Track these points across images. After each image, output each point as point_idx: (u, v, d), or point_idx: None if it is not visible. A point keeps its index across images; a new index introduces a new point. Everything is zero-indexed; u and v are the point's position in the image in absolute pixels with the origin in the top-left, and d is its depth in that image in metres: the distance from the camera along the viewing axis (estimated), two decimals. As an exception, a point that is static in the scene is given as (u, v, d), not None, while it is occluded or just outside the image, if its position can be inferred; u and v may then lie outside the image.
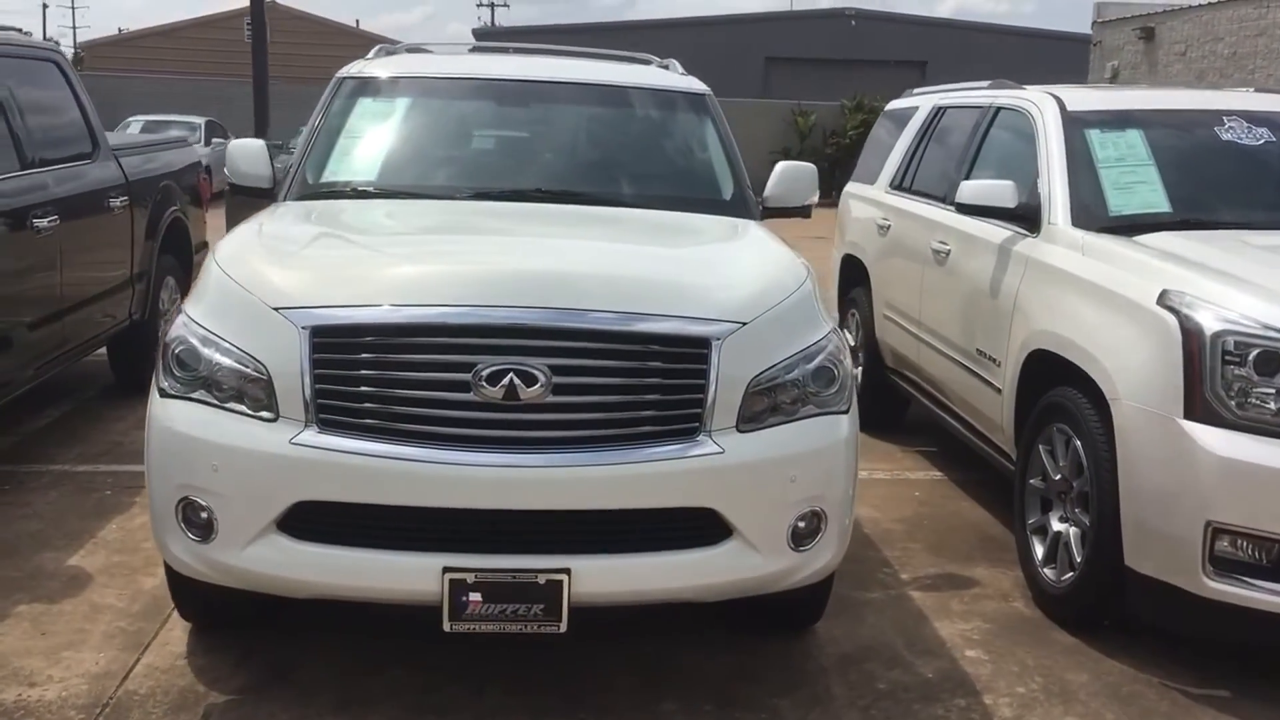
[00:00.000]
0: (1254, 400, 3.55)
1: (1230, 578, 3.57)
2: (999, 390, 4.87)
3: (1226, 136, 4.92)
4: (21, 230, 5.26)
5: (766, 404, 3.37)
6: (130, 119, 22.84)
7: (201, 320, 3.40)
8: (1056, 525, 4.29)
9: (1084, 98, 5.24)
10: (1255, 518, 3.51)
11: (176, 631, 3.91)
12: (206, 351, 3.32)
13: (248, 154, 4.61)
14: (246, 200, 4.83)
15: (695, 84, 5.24)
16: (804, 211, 4.89)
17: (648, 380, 3.27)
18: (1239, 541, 3.56)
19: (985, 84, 6.14)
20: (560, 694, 3.61)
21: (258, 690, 3.56)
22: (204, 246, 7.66)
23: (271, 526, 3.19)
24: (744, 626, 4.05)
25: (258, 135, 14.43)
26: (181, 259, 7.40)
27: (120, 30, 49.69)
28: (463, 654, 3.75)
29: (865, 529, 5.20)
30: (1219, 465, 3.54)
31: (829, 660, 3.92)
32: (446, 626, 3.19)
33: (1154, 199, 4.67)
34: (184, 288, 7.22)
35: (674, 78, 5.31)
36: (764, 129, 28.07)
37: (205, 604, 3.77)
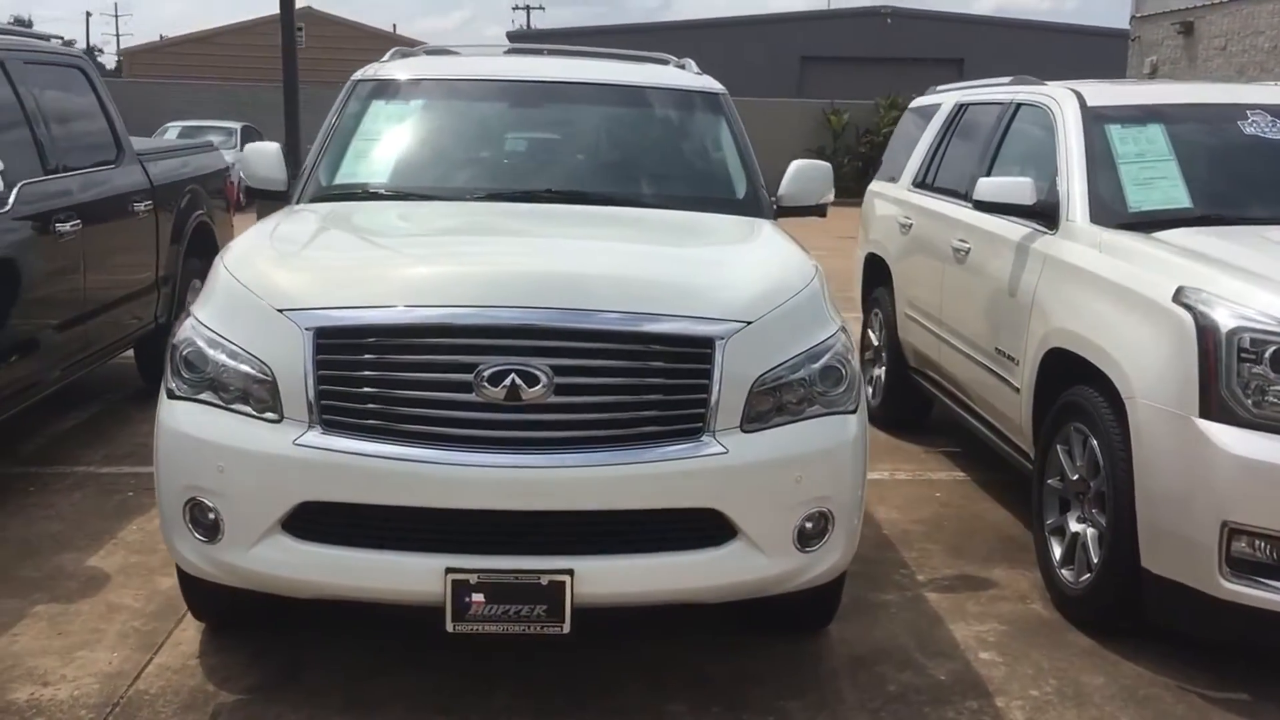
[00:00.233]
0: (1271, 398, 3.49)
1: (1247, 579, 3.50)
2: (1017, 389, 4.82)
3: (1250, 131, 4.84)
4: (44, 234, 5.32)
5: (772, 404, 3.34)
6: (168, 124, 23.10)
7: (208, 322, 3.42)
8: (1074, 526, 4.24)
9: (1105, 92, 5.17)
10: (1272, 518, 3.45)
11: (189, 631, 3.94)
12: (213, 353, 3.34)
13: (263, 157, 4.65)
14: (277, 204, 4.87)
15: (710, 83, 5.22)
16: (819, 210, 4.86)
17: (650, 380, 3.26)
18: (1256, 542, 3.50)
19: (1007, 80, 6.08)
20: (567, 695, 3.60)
21: (267, 690, 3.58)
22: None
23: (276, 527, 3.21)
24: (754, 628, 4.02)
25: (288, 139, 14.55)
26: (208, 263, 7.45)
27: (161, 37, 50.24)
28: (471, 655, 3.75)
29: (884, 530, 5.15)
30: (1235, 464, 3.48)
31: (840, 662, 3.88)
32: (449, 627, 3.19)
33: (1174, 195, 4.60)
34: (210, 291, 7.27)
35: (688, 77, 5.30)
36: (797, 128, 27.98)
37: (216, 604, 3.80)
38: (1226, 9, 21.26)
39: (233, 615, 3.88)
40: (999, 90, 6.01)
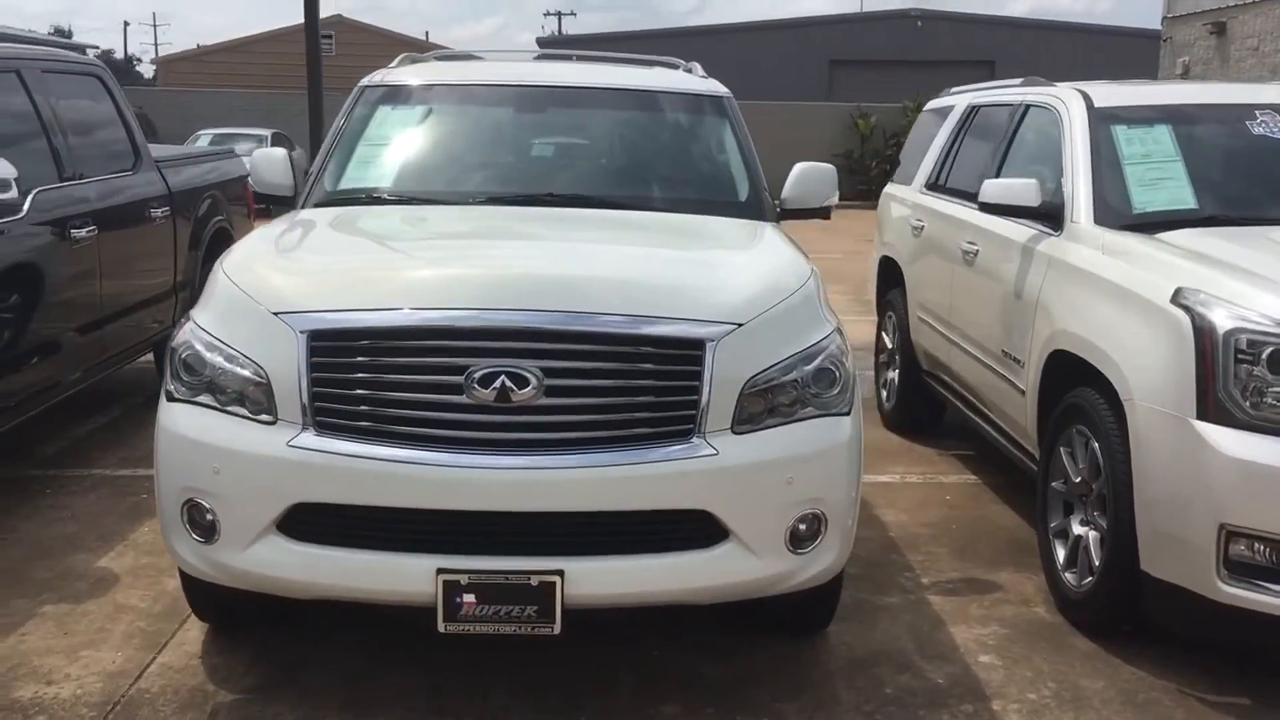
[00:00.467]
0: (1269, 400, 3.46)
1: (1245, 582, 3.47)
2: (1023, 392, 4.80)
3: (1259, 131, 4.80)
4: (59, 240, 5.41)
5: (763, 405, 3.35)
6: (200, 132, 23.38)
7: (206, 326, 3.47)
8: (1077, 529, 4.21)
9: (1113, 93, 5.15)
10: (1270, 520, 3.42)
11: (193, 632, 3.99)
12: (210, 356, 3.38)
13: (270, 163, 4.71)
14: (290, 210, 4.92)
15: (714, 86, 5.24)
16: (823, 213, 4.86)
17: (641, 382, 3.27)
18: (1254, 545, 3.47)
19: (1018, 81, 6.06)
20: (563, 695, 3.62)
21: (266, 690, 3.62)
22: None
23: (271, 528, 3.25)
24: (753, 629, 4.02)
25: (313, 146, 14.67)
26: (227, 268, 7.54)
27: (199, 46, 50.82)
28: (469, 656, 3.78)
29: (891, 533, 5.14)
30: (1232, 467, 3.45)
31: (838, 665, 3.88)
32: (441, 627, 3.21)
33: (1180, 195, 4.58)
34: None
35: (692, 80, 5.31)
36: (825, 131, 27.93)
37: (217, 605, 3.85)
38: (1259, 9, 21.03)
39: (235, 615, 3.93)
40: (1009, 92, 5.99)
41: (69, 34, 71.39)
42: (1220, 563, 3.49)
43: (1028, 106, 5.58)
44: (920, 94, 28.61)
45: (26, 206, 5.12)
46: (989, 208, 4.92)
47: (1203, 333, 3.55)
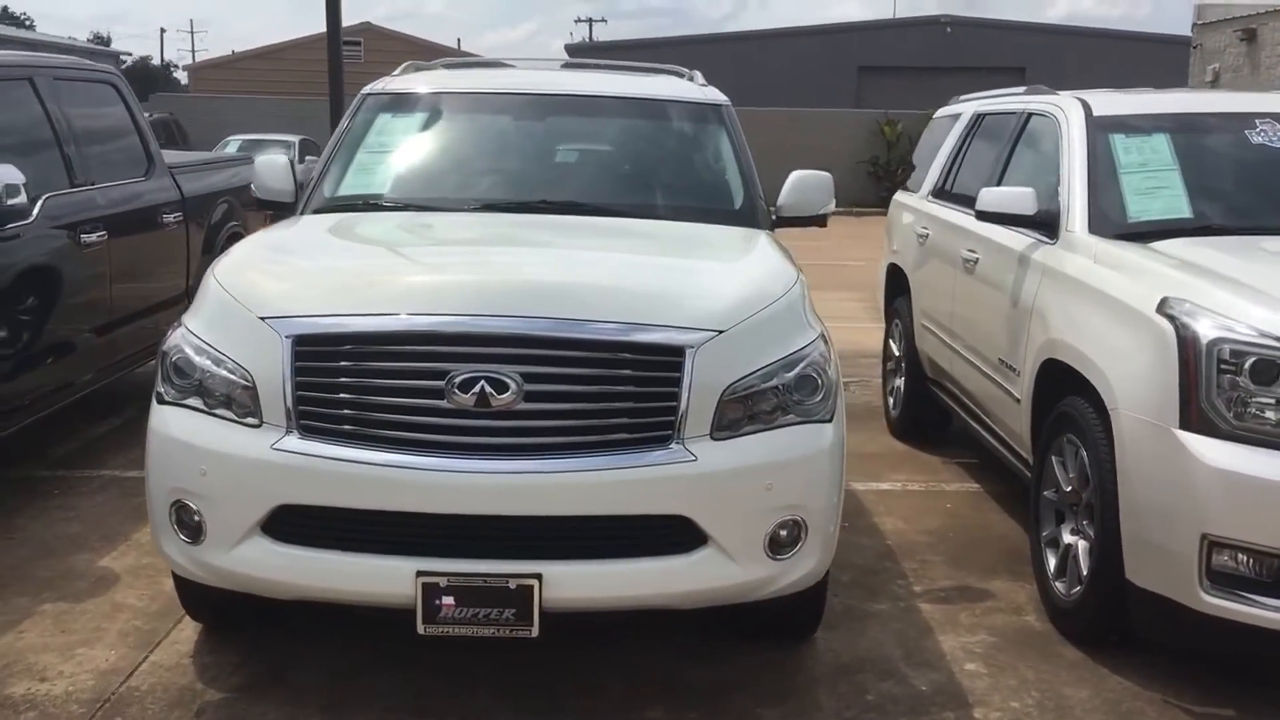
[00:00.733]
0: (1252, 410, 3.45)
1: (1228, 592, 3.46)
2: (1019, 400, 4.80)
3: (1258, 140, 4.78)
4: (69, 245, 5.50)
5: (743, 412, 3.37)
6: (229, 138, 23.63)
7: (196, 330, 3.53)
8: (1067, 537, 4.21)
9: (1113, 102, 5.14)
10: (1252, 531, 3.40)
11: (187, 631, 4.05)
12: (199, 360, 3.44)
13: (272, 170, 4.78)
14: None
15: (712, 95, 5.27)
16: (819, 220, 4.88)
17: (620, 388, 3.30)
18: (1236, 555, 3.45)
19: (1022, 89, 6.05)
20: (547, 697, 3.66)
21: (253, 690, 3.67)
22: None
23: (256, 529, 3.30)
24: (740, 635, 4.04)
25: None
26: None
27: (233, 52, 51.33)
28: (455, 657, 3.82)
29: (888, 540, 5.15)
30: (1214, 477, 3.44)
31: (823, 671, 3.89)
32: (420, 629, 3.26)
33: (1175, 205, 4.56)
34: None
35: (690, 89, 5.34)
36: (852, 138, 27.93)
37: (209, 604, 3.90)
38: (1290, 16, 20.83)
39: (226, 615, 3.98)
40: (1013, 100, 5.99)
41: (108, 41, 72.34)
42: (1203, 573, 3.48)
43: (1029, 115, 5.58)
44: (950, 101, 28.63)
45: (36, 212, 5.22)
46: (986, 216, 4.92)
47: (1186, 342, 3.55)
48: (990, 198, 4.89)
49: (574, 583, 3.26)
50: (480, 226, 4.40)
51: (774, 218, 4.80)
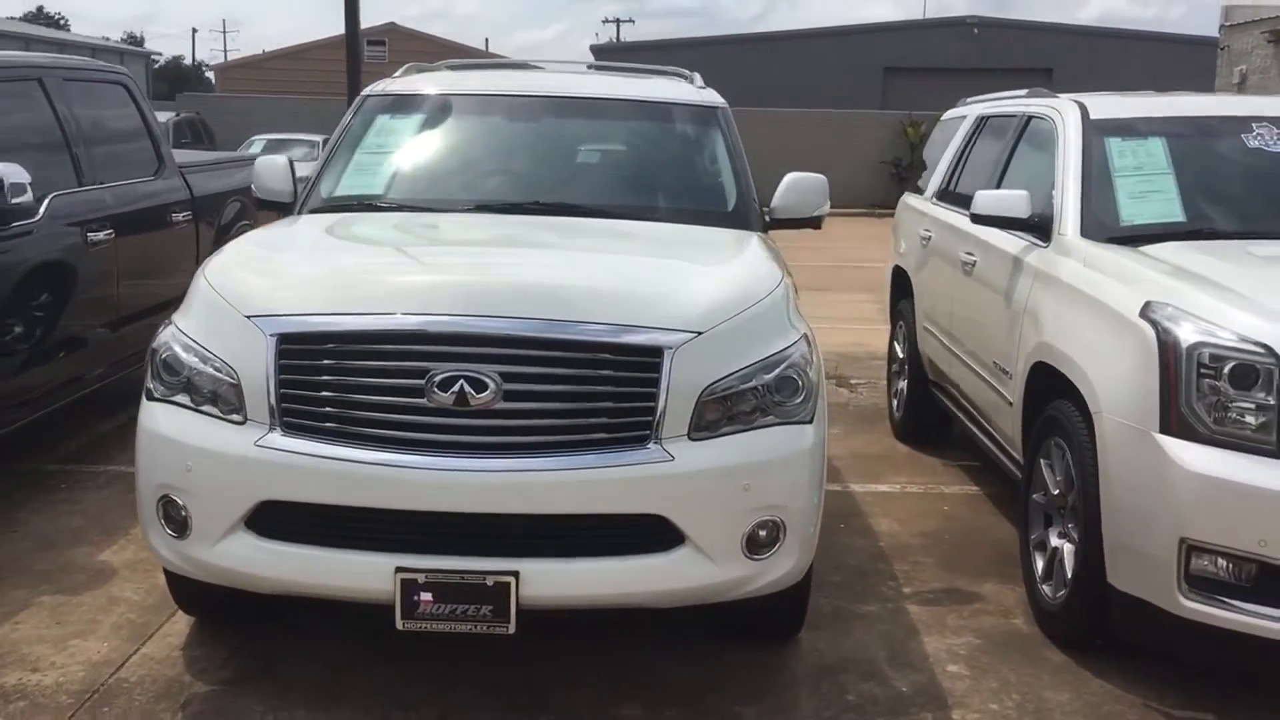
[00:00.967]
0: (1232, 415, 3.44)
1: (1206, 597, 3.46)
2: (1011, 403, 4.80)
3: (1254, 144, 4.77)
4: (76, 243, 5.59)
5: (722, 413, 3.39)
6: (254, 138, 23.81)
7: (185, 328, 3.59)
8: (1054, 541, 4.21)
9: (1111, 105, 5.13)
10: (1230, 535, 3.40)
11: (179, 624, 4.11)
12: (187, 357, 3.50)
13: (271, 170, 4.84)
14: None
15: (709, 97, 5.29)
16: (814, 222, 4.90)
17: (598, 388, 3.33)
18: (1215, 560, 3.45)
19: (1024, 92, 6.04)
20: (528, 693, 3.69)
21: (240, 683, 3.72)
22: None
23: (239, 525, 3.35)
24: (725, 634, 4.06)
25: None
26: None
27: (264, 52, 51.75)
28: (442, 653, 3.86)
29: (881, 542, 5.16)
30: (1193, 481, 3.44)
31: (805, 671, 3.91)
32: (399, 625, 3.30)
33: (1168, 209, 4.56)
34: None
35: (687, 91, 5.37)
36: (876, 139, 27.88)
37: (199, 598, 3.95)
38: (1318, 17, 20.63)
39: (218, 609, 4.03)
40: (1014, 103, 5.98)
41: (140, 41, 73.06)
42: (1181, 577, 3.48)
43: (1029, 118, 5.58)
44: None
45: (43, 210, 5.30)
46: (980, 219, 4.93)
47: (1167, 346, 3.55)
48: (985, 200, 4.90)
49: (551, 580, 3.30)
50: (470, 228, 4.45)
51: (767, 220, 4.82)
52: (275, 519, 3.34)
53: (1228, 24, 23.97)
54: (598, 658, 3.93)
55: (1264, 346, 3.41)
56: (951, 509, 5.67)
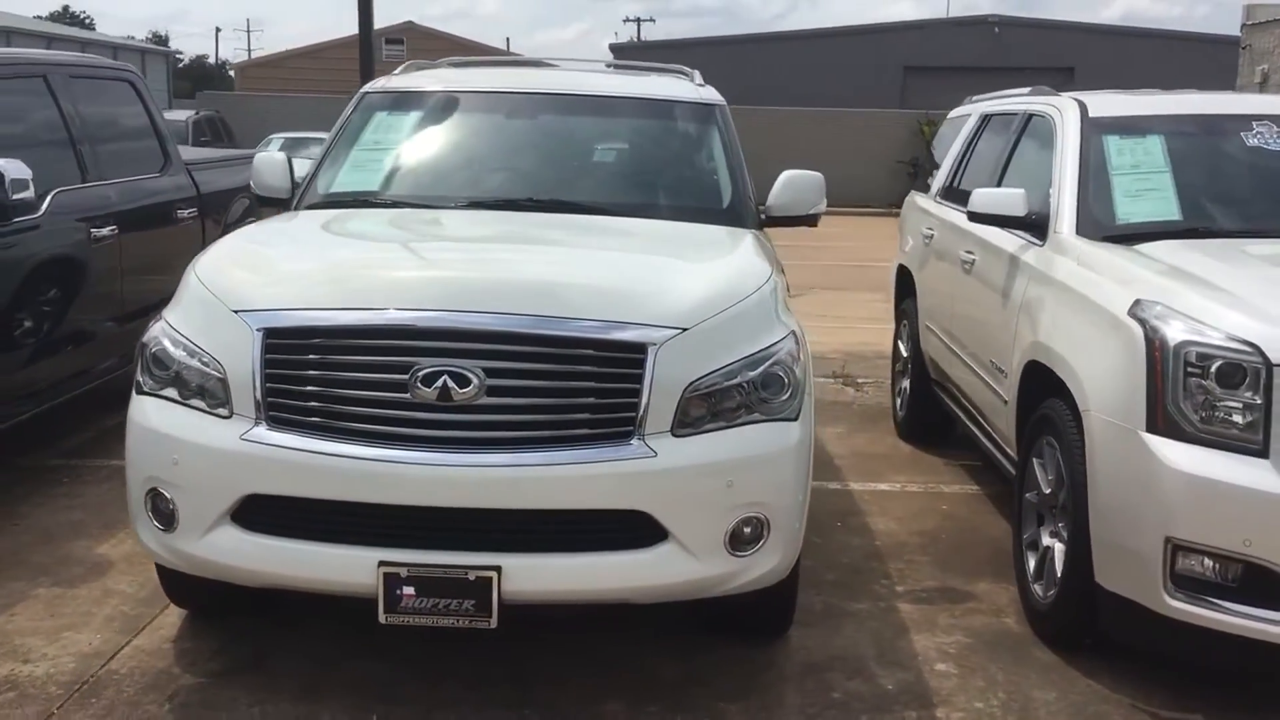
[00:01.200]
0: (1219, 414, 3.42)
1: (1191, 596, 3.44)
2: (1006, 402, 4.79)
3: (1253, 142, 4.74)
4: (79, 239, 5.64)
5: (706, 409, 3.40)
6: (272, 136, 23.89)
7: (174, 322, 3.62)
8: (1046, 540, 4.20)
9: (1111, 103, 5.11)
10: (1215, 535, 3.38)
11: (172, 617, 4.14)
12: (175, 351, 3.53)
13: (270, 167, 4.87)
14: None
15: (707, 94, 5.29)
16: (810, 220, 4.89)
17: (582, 384, 3.34)
18: (1201, 559, 3.44)
19: (1026, 90, 6.02)
20: (513, 688, 3.70)
21: (228, 675, 3.75)
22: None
23: (225, 518, 3.38)
24: (714, 631, 4.07)
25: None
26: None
27: (287, 51, 51.94)
28: (431, 648, 3.88)
29: (877, 541, 5.15)
30: (1179, 480, 3.42)
31: (792, 668, 3.91)
32: (381, 618, 3.31)
33: (1164, 207, 4.53)
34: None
35: (685, 88, 5.37)
36: (893, 138, 27.83)
37: (190, 591, 3.98)
38: (1339, 16, 20.45)
39: (208, 602, 4.06)
40: (1016, 101, 5.96)
41: (165, 40, 73.54)
42: (1167, 577, 3.46)
43: (1030, 116, 5.55)
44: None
45: (45, 206, 5.35)
46: (977, 217, 4.92)
47: (1154, 345, 3.53)
48: (981, 199, 4.88)
49: (533, 575, 3.31)
50: (462, 224, 4.46)
51: (763, 217, 4.82)
52: (260, 512, 3.36)
53: (1249, 23, 23.77)
54: (585, 653, 3.94)
55: (1251, 346, 3.39)
56: (950, 508, 5.66)
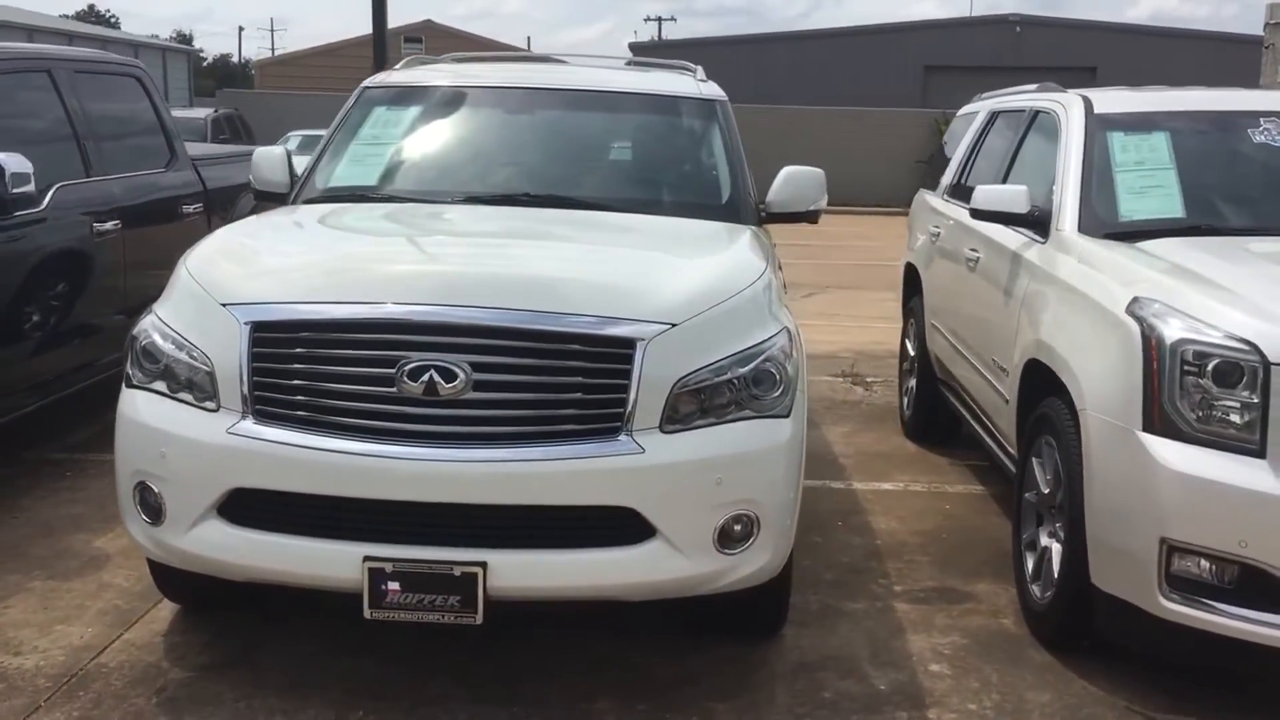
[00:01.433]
0: (1216, 414, 3.37)
1: (1187, 598, 3.39)
2: (1008, 401, 4.74)
3: (1260, 139, 4.67)
4: (82, 233, 5.66)
5: (695, 405, 3.37)
6: (290, 134, 23.99)
7: (164, 316, 3.62)
8: (1044, 540, 4.15)
9: (1117, 99, 5.05)
10: (1211, 536, 3.33)
11: (164, 611, 4.14)
12: (164, 344, 3.52)
13: (269, 162, 4.87)
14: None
15: (707, 90, 5.26)
16: (811, 217, 4.85)
17: (569, 379, 3.32)
18: (1198, 561, 3.38)
19: (1034, 87, 5.96)
20: (503, 685, 3.68)
21: (216, 669, 3.74)
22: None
23: (211, 511, 3.37)
24: (708, 630, 4.03)
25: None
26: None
27: (309, 49, 52.15)
28: (422, 644, 3.86)
29: (877, 540, 5.11)
30: (1175, 480, 3.37)
31: (784, 667, 3.87)
32: (367, 614, 3.30)
33: (1168, 204, 4.48)
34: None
35: (686, 84, 5.34)
36: (911, 137, 27.71)
37: (181, 585, 3.97)
38: (1362, 14, 20.23)
39: (201, 596, 4.05)
40: (1023, 97, 5.91)
41: (190, 39, 74.05)
42: (1162, 578, 3.41)
43: (1036, 112, 5.50)
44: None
45: (47, 201, 5.36)
46: (979, 214, 4.87)
47: (1151, 343, 3.48)
48: (984, 196, 4.83)
49: (519, 572, 3.28)
50: (456, 219, 4.44)
51: (763, 214, 4.78)
52: (246, 506, 3.35)
53: (1272, 22, 23.56)
54: (576, 651, 3.91)
55: (1249, 344, 3.33)
56: (953, 508, 5.61)
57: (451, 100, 5.13)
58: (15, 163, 4.96)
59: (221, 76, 63.85)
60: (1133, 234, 4.38)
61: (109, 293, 5.95)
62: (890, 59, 37.55)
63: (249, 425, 3.32)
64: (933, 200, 6.85)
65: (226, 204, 7.22)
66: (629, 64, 5.88)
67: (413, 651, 3.84)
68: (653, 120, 5.12)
